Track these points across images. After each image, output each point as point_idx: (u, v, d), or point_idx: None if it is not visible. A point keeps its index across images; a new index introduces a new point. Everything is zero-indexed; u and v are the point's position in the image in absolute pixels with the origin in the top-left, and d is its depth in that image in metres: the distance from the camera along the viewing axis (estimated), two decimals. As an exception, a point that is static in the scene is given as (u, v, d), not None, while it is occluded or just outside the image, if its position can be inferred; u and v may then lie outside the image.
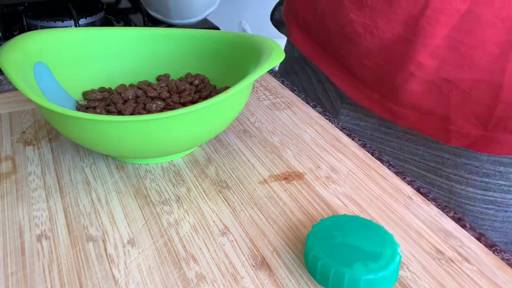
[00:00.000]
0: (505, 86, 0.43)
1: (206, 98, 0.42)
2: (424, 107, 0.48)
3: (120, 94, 0.42)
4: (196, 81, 0.45)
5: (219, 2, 0.77)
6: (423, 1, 0.43)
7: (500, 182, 0.49)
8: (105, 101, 0.42)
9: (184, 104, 0.41)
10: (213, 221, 0.34)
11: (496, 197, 0.50)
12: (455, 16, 0.42)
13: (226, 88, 0.43)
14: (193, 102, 0.42)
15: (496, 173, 0.49)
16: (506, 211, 0.50)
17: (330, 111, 0.62)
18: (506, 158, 0.48)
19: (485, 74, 0.44)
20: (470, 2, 0.41)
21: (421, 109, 0.49)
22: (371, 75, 0.52)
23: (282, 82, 0.56)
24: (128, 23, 0.84)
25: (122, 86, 0.44)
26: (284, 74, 0.71)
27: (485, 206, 0.51)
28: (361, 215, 0.35)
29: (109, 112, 0.40)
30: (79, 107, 0.42)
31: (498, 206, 0.50)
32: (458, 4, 0.42)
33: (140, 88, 0.44)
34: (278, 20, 0.72)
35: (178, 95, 0.42)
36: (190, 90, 0.43)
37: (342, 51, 0.54)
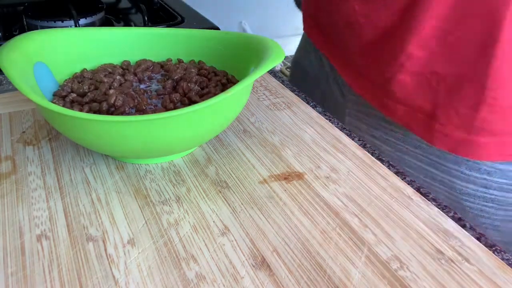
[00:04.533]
0: (488, 86, 0.43)
1: (217, 81, 0.42)
2: (413, 100, 0.49)
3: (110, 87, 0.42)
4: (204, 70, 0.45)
5: (219, 2, 0.78)
6: None
7: (500, 180, 0.49)
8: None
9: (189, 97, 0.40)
10: (213, 221, 0.34)
11: (496, 195, 0.49)
12: (444, 5, 0.43)
13: (235, 79, 0.44)
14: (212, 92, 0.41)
15: (497, 170, 0.48)
16: (506, 210, 0.50)
17: (339, 99, 0.62)
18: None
19: (470, 70, 0.44)
20: None
21: (408, 103, 0.49)
22: (368, 65, 0.53)
23: (282, 82, 0.56)
24: (128, 23, 0.84)
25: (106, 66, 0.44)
26: (300, 60, 0.71)
27: (485, 203, 0.50)
28: (361, 215, 0.35)
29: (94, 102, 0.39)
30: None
31: (498, 204, 0.50)
32: None
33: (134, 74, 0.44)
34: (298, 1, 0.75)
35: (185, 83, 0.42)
36: (196, 79, 0.42)
37: (346, 41, 0.55)
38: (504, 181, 0.49)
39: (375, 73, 0.52)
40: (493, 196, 0.50)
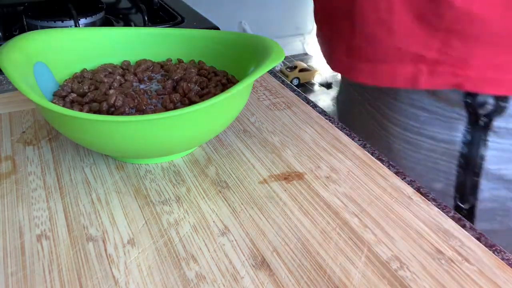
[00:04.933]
0: (357, 17, 0.47)
1: (217, 81, 0.43)
2: (324, 32, 0.55)
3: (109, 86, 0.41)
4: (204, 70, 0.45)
5: (219, 2, 0.79)
6: None
7: (412, 123, 0.51)
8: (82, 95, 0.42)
9: (189, 98, 0.40)
10: (213, 221, 0.34)
11: (411, 138, 0.51)
12: None
13: (235, 79, 0.44)
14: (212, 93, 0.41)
15: (411, 114, 0.50)
16: (419, 153, 0.51)
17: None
18: (416, 101, 0.50)
19: (344, 3, 0.48)
20: None
21: (322, 34, 0.56)
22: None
23: (282, 82, 0.56)
24: (128, 23, 0.84)
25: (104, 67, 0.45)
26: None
27: (404, 145, 0.53)
28: (361, 215, 0.35)
29: (93, 101, 0.39)
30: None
31: (414, 147, 0.52)
32: None
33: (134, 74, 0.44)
34: None
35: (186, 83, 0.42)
36: (197, 80, 0.42)
37: None
38: (417, 125, 0.51)
39: (317, 7, 0.58)
40: (409, 138, 0.52)
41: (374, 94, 0.55)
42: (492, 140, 0.47)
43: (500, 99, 0.45)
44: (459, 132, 0.48)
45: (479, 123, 0.47)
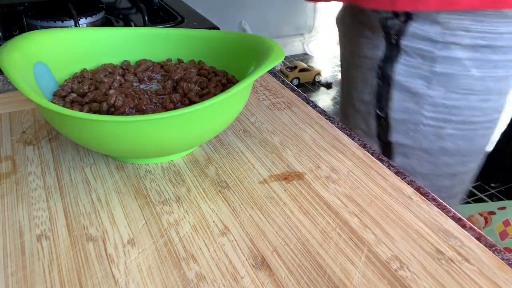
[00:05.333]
0: None
1: (217, 81, 0.43)
2: None
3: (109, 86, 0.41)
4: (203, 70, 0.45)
5: (219, 2, 0.82)
6: None
7: (358, 50, 0.63)
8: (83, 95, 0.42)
9: (189, 98, 0.40)
10: (213, 221, 0.34)
11: (357, 60, 0.65)
12: None
13: (235, 79, 0.44)
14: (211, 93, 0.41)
15: (359, 42, 0.63)
16: (360, 72, 0.65)
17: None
18: (361, 32, 0.62)
19: None
20: None
21: None
22: None
23: (282, 82, 0.56)
24: (128, 23, 0.84)
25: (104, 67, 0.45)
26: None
27: (354, 68, 0.66)
28: (361, 215, 0.35)
29: (94, 101, 0.39)
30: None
31: (357, 68, 0.65)
32: None
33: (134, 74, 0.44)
34: None
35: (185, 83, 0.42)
36: (197, 79, 0.42)
37: None
38: (360, 50, 0.63)
39: None
40: (356, 62, 0.65)
41: (350, 40, 0.68)
42: (403, 58, 0.58)
43: (402, 21, 0.56)
44: (380, 50, 0.60)
45: (392, 41, 0.59)
